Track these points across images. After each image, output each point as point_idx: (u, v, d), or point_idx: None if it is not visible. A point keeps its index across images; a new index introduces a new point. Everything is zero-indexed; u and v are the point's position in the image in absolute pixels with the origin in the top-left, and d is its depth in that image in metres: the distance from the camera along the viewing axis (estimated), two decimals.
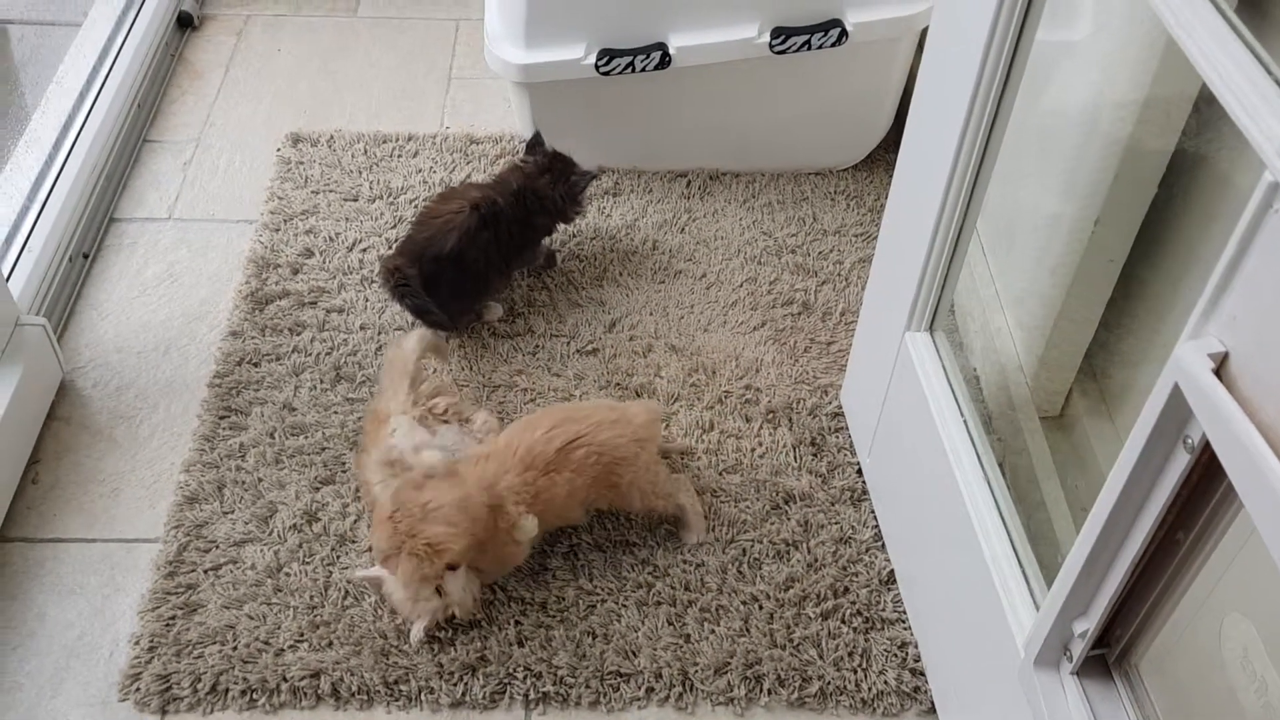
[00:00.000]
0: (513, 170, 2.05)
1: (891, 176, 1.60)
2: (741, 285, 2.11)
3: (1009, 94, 1.30)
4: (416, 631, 1.52)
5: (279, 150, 2.37)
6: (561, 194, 2.02)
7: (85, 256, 2.12)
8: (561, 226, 2.11)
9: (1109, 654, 1.08)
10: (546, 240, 2.10)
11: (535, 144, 2.07)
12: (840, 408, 1.88)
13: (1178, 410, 0.86)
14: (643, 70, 2.11)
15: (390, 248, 2.13)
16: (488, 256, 1.92)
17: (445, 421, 1.70)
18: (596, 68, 2.10)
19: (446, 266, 1.89)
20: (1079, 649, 1.07)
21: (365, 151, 2.36)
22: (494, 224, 1.93)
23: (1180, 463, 0.89)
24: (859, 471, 1.79)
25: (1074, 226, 1.50)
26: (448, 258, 1.88)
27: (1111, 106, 1.47)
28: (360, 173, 2.31)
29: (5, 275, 1.88)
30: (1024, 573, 1.26)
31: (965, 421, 1.42)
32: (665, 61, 2.09)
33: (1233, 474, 0.80)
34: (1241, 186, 1.31)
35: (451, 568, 1.50)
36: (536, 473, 1.56)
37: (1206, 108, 1.37)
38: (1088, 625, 1.05)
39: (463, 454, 1.65)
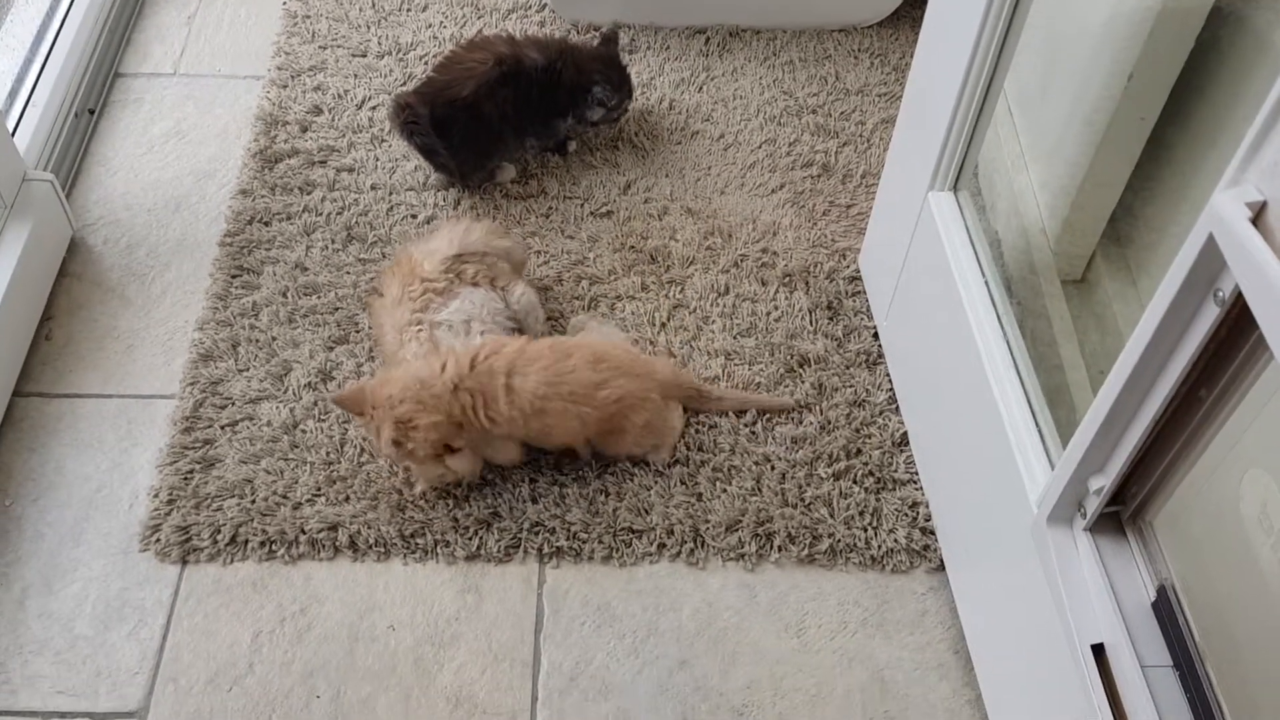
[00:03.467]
0: (564, 41, 1.98)
1: (918, 33, 1.55)
2: (760, 146, 2.06)
3: None
4: (420, 488, 1.57)
5: (285, 4, 2.31)
6: (584, 81, 1.93)
7: (91, 112, 2.08)
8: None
9: (1123, 511, 1.08)
10: (564, 125, 2.01)
11: (610, 39, 1.99)
12: (858, 271, 1.86)
13: (1210, 261, 0.84)
14: None
15: None
16: (503, 113, 1.88)
17: (475, 284, 1.68)
18: None
19: (459, 113, 1.85)
20: (1093, 505, 1.07)
21: (373, 5, 2.29)
22: (515, 82, 1.88)
23: (1209, 316, 0.87)
24: (875, 335, 1.77)
25: (1106, 82, 1.45)
26: (461, 104, 1.85)
27: None
28: (368, 27, 2.25)
29: (10, 130, 1.84)
30: (1040, 432, 1.25)
31: (986, 282, 1.40)
32: None
33: (1266, 327, 0.78)
34: None
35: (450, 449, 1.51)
36: (561, 399, 1.52)
37: None
38: (1103, 482, 1.05)
39: (487, 321, 1.65)
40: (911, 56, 1.97)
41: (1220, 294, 0.85)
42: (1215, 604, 0.99)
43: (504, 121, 1.89)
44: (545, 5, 2.28)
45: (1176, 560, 1.04)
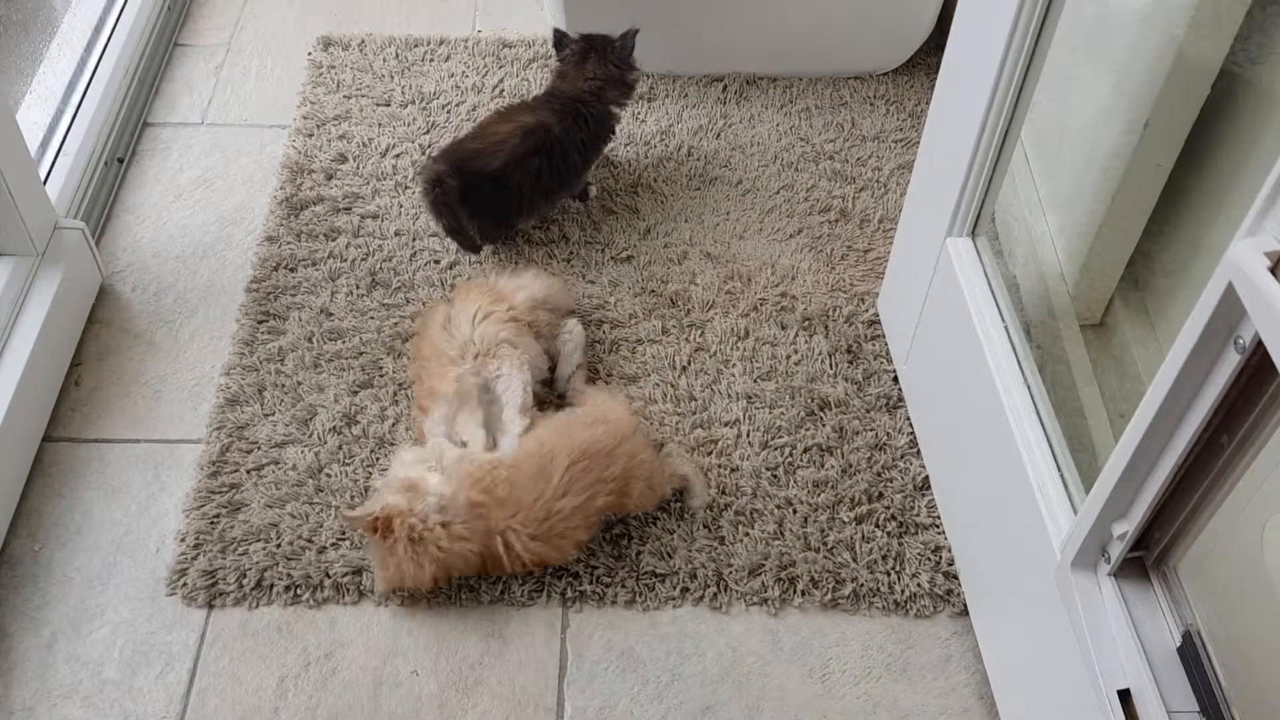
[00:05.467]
0: (555, 85, 2.01)
1: (932, 81, 1.57)
2: (778, 192, 2.09)
3: None
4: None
5: (310, 54, 2.35)
6: (615, 62, 1.97)
7: (120, 161, 2.12)
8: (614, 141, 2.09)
9: (1147, 556, 1.09)
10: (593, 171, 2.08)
11: (560, 41, 2.02)
12: (877, 315, 1.87)
13: (1230, 310, 0.85)
14: None
15: (424, 153, 2.11)
16: (536, 181, 1.89)
17: (536, 335, 1.73)
18: None
19: (486, 183, 1.86)
20: (1117, 551, 1.07)
21: (397, 55, 2.34)
22: (546, 151, 1.90)
23: (1229, 364, 0.88)
24: (895, 379, 1.78)
25: (1123, 129, 1.47)
26: (490, 175, 1.86)
27: (1163, 7, 1.43)
28: (392, 77, 2.29)
29: (43, 179, 1.88)
30: (1062, 477, 1.26)
31: (1006, 327, 1.42)
32: None
33: None
34: None
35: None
36: (554, 519, 1.51)
37: (1260, 12, 1.33)
38: (1127, 527, 1.05)
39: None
40: (926, 104, 1.99)
41: (1240, 341, 0.86)
42: (1241, 650, 0.99)
43: (534, 189, 1.90)
44: None
45: (1201, 605, 1.04)
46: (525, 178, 1.88)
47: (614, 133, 2.03)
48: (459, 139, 1.97)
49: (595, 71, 1.97)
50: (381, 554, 1.49)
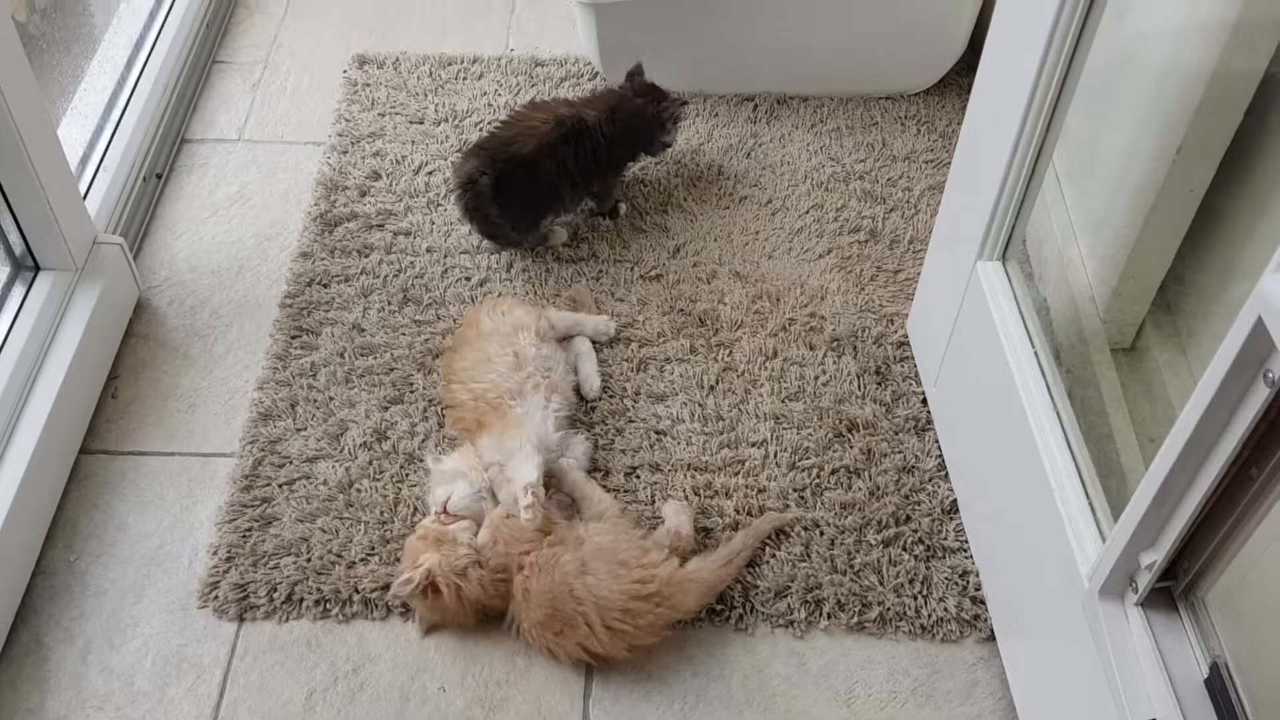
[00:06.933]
0: (610, 92, 2.07)
1: (964, 102, 1.57)
2: (808, 212, 2.09)
3: (1094, 14, 1.26)
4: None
5: (345, 72, 2.38)
6: (653, 114, 2.02)
7: (158, 176, 2.15)
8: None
9: (1175, 586, 1.08)
10: (626, 172, 2.11)
11: (636, 73, 2.08)
12: (906, 337, 1.87)
13: (1259, 344, 0.85)
14: None
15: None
16: (563, 169, 1.93)
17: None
18: None
19: (519, 169, 1.90)
20: (1145, 580, 1.07)
21: (431, 74, 2.36)
22: (576, 140, 1.94)
23: (1259, 397, 0.88)
24: (924, 401, 1.78)
25: (1155, 154, 1.46)
26: (523, 161, 1.90)
27: (1198, 30, 1.43)
28: (426, 95, 2.31)
29: (82, 194, 1.91)
30: (1090, 504, 1.25)
31: (1036, 352, 1.41)
32: None
33: None
34: None
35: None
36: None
37: None
38: (1155, 557, 1.05)
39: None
40: (958, 124, 2.00)
41: (1270, 375, 0.86)
42: (1269, 682, 0.98)
43: (562, 177, 1.94)
44: (597, 74, 2.34)
45: (1229, 637, 1.03)
46: (554, 165, 1.92)
47: (635, 158, 2.09)
48: (493, 130, 2.02)
49: (645, 101, 2.04)
50: (426, 605, 1.51)
